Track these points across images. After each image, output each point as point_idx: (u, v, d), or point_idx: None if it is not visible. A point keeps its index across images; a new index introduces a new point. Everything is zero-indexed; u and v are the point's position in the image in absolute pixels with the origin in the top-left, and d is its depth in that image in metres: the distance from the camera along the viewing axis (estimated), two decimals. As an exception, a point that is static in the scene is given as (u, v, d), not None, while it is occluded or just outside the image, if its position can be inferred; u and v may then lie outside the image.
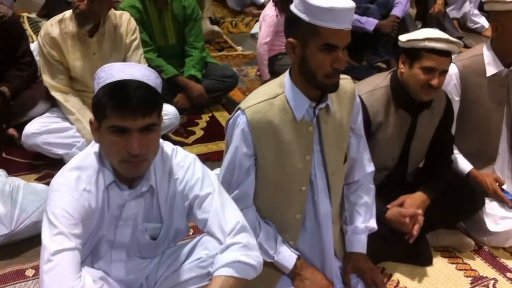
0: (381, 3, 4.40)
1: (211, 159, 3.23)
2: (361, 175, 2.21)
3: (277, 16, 4.02)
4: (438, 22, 4.98)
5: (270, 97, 1.93)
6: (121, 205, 1.73)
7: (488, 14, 2.73)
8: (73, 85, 3.00)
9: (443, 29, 4.98)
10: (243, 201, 1.96)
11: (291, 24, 1.85)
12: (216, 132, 3.56)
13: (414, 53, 2.27)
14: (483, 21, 5.55)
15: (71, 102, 2.95)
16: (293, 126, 1.93)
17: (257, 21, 5.30)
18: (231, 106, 3.86)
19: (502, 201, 2.70)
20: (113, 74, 1.61)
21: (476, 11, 5.58)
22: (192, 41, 3.68)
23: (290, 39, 1.85)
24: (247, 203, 1.99)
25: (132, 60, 3.02)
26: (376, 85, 2.41)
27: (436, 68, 2.25)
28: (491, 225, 2.67)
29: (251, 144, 1.92)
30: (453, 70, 2.65)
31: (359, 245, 2.18)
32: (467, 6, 5.53)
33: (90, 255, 1.77)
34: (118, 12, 3.08)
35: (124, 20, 3.05)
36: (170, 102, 3.41)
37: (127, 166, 1.64)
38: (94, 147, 1.74)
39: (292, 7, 1.83)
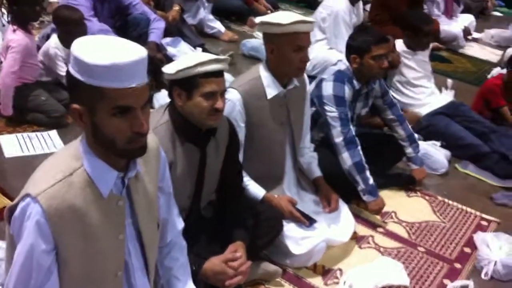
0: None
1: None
2: (173, 234, 1.98)
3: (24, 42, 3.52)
4: (179, 30, 4.87)
5: (65, 174, 1.52)
6: None
7: (263, 36, 2.64)
8: None
9: (183, 36, 4.90)
10: (45, 308, 1.54)
11: (72, 88, 1.49)
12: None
13: (189, 83, 2.10)
14: (218, 26, 5.63)
15: None
16: (99, 204, 1.57)
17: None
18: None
19: (299, 221, 2.69)
20: None
21: (211, 17, 5.61)
22: None
23: (74, 106, 1.49)
24: (50, 309, 1.57)
25: None
26: (156, 122, 2.18)
27: (216, 91, 2.11)
28: (293, 247, 2.65)
29: (50, 238, 1.51)
30: (235, 96, 2.56)
31: None
32: (202, 13, 5.51)
33: None
34: None
35: None
36: None
37: None
38: None
39: (70, 68, 1.47)
